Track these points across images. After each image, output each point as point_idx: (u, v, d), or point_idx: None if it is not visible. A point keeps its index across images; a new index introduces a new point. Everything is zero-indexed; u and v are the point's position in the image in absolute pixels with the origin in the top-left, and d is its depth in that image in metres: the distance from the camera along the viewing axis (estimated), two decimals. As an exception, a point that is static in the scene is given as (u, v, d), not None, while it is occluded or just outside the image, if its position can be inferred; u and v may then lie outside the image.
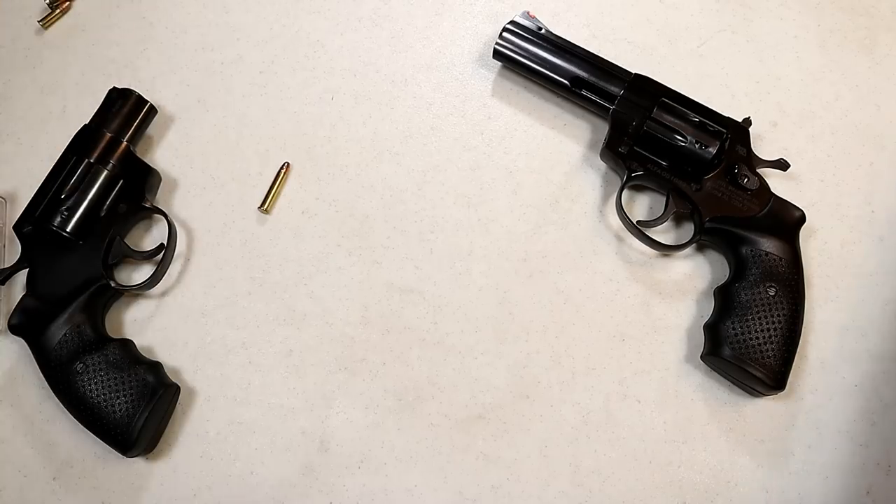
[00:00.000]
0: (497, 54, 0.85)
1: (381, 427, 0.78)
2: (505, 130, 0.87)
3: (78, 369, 0.74)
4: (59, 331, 0.75)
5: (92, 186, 0.79)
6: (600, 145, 0.82)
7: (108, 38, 0.92)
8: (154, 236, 0.85)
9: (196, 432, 0.78)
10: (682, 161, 0.78)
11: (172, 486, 0.77)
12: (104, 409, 0.73)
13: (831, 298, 0.81)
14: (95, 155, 0.80)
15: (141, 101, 0.84)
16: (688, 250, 0.82)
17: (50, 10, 0.91)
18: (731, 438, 0.77)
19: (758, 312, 0.73)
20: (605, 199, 0.84)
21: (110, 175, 0.80)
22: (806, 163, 0.84)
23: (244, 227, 0.84)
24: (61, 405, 0.75)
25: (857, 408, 0.78)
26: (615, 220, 0.83)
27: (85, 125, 0.82)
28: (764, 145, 0.84)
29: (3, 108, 0.89)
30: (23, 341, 0.76)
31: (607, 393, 0.79)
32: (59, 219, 0.77)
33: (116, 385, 0.73)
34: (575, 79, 0.82)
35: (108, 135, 0.81)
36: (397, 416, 0.78)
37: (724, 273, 0.80)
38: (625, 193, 0.81)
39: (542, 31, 0.84)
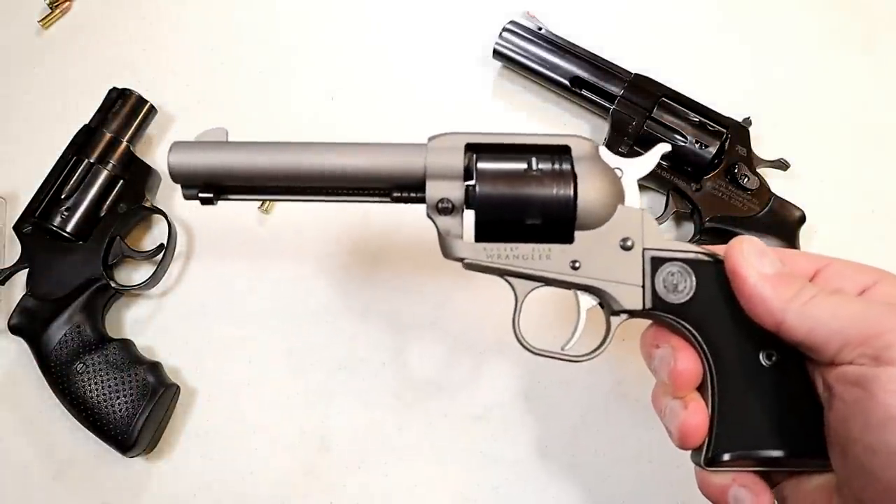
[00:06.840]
0: (497, 54, 0.84)
1: (380, 426, 0.78)
2: (505, 130, 0.87)
3: (78, 369, 0.74)
4: (59, 331, 0.75)
5: (92, 186, 0.79)
6: (600, 145, 0.82)
7: (108, 37, 0.92)
8: (154, 236, 0.85)
9: (196, 432, 0.78)
10: (682, 161, 0.78)
11: (172, 486, 0.77)
12: (104, 408, 0.73)
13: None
14: (95, 155, 0.80)
15: (141, 101, 0.84)
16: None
17: (50, 10, 0.91)
18: (732, 438, 0.76)
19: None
20: (605, 198, 0.84)
21: (110, 175, 0.80)
22: (806, 162, 0.84)
23: (244, 227, 0.84)
24: (61, 405, 0.75)
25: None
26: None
27: (85, 125, 0.82)
28: (764, 145, 0.83)
29: (2, 107, 0.89)
30: (23, 341, 0.76)
31: (607, 393, 0.79)
32: (59, 219, 0.77)
33: (116, 385, 0.74)
34: (575, 78, 0.82)
35: (108, 135, 0.81)
36: (397, 416, 0.78)
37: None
38: (625, 193, 0.81)
39: (542, 30, 0.84)
